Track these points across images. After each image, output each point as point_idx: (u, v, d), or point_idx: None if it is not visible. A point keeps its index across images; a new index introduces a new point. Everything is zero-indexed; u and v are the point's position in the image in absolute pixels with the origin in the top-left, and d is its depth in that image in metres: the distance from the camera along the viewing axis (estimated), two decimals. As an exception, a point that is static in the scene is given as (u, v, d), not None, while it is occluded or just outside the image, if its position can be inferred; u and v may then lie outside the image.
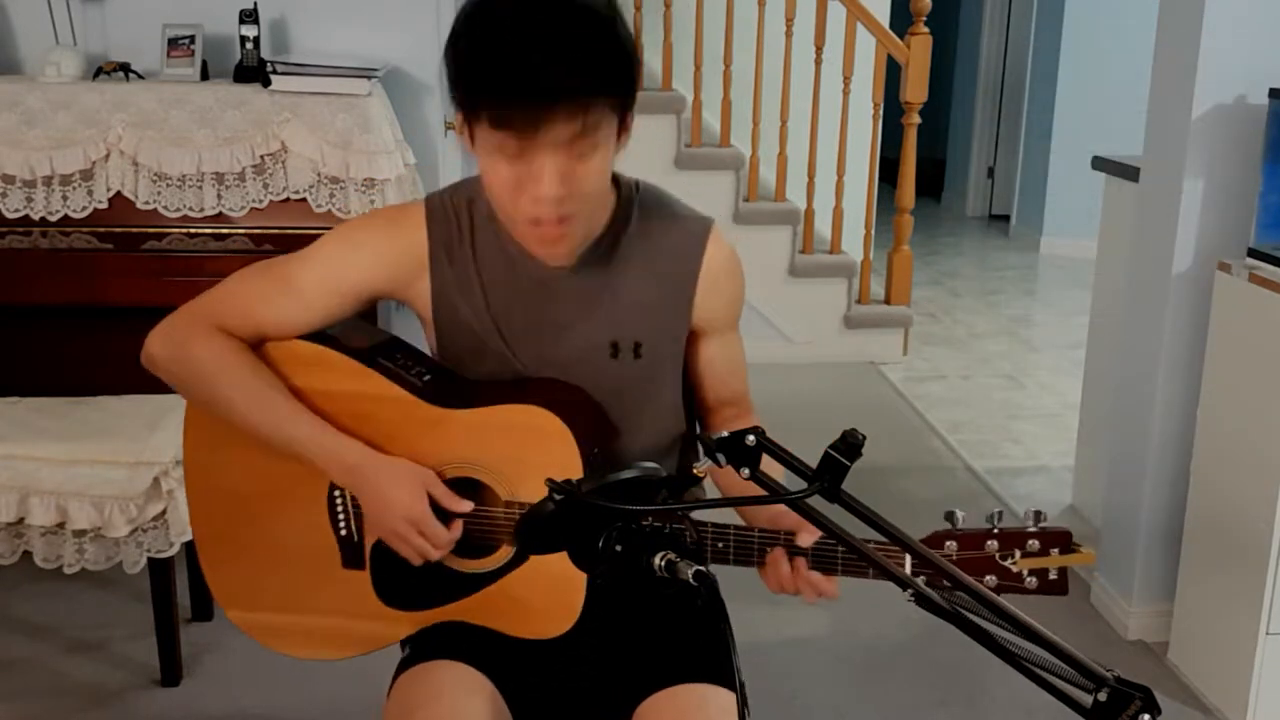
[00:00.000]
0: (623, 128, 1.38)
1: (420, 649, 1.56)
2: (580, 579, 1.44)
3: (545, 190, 1.31)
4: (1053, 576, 1.36)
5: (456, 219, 1.50)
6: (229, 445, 1.55)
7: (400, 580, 1.54)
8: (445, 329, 1.54)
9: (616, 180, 1.50)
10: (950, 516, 1.36)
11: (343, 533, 1.55)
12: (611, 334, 1.50)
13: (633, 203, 1.51)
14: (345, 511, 1.54)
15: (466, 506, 1.46)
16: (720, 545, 1.41)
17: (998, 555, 1.35)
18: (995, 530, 1.35)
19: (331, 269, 1.49)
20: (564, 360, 1.51)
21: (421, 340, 1.64)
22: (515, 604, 1.50)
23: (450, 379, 1.54)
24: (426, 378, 1.52)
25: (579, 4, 1.30)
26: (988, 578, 1.35)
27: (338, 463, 1.47)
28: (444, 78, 1.34)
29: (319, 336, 1.53)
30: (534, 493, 1.44)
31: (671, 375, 1.57)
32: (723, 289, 1.54)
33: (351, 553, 1.55)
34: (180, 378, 1.52)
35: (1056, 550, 1.35)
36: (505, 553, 1.50)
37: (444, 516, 1.47)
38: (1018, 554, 1.35)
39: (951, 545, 1.36)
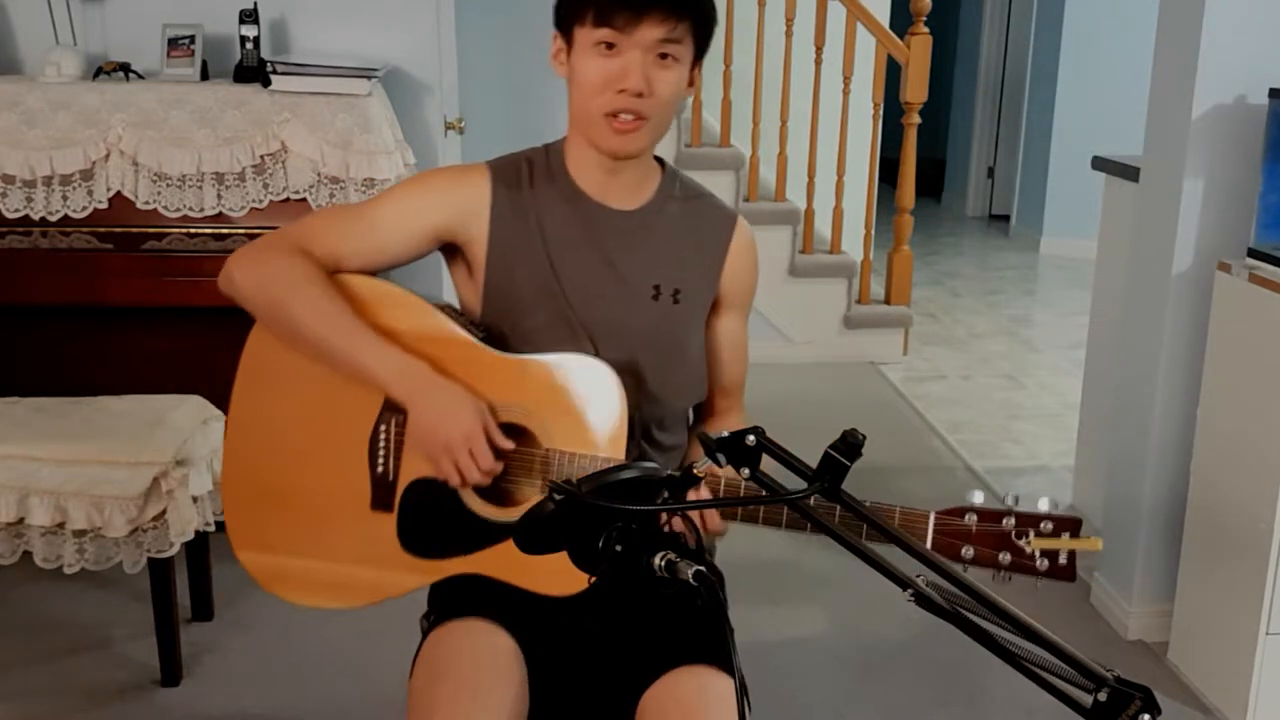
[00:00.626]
0: (691, 76, 1.59)
1: (445, 612, 1.61)
2: None
3: (631, 83, 1.51)
4: (1062, 561, 1.41)
5: (516, 170, 1.65)
6: (280, 380, 1.61)
7: (425, 526, 1.57)
8: (497, 268, 1.62)
9: (661, 161, 1.71)
10: (971, 495, 1.43)
11: (379, 470, 1.58)
12: (654, 276, 1.64)
13: (676, 178, 1.71)
14: (386, 449, 1.58)
15: (510, 444, 1.52)
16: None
17: (1014, 533, 1.41)
18: (1012, 510, 1.42)
19: (404, 205, 1.63)
20: (609, 297, 1.61)
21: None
22: (534, 558, 1.51)
23: (503, 337, 1.62)
24: (483, 333, 1.61)
25: None
26: (1002, 555, 1.41)
27: (402, 375, 1.53)
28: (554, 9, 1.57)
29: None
30: (574, 444, 1.53)
31: (699, 333, 1.69)
32: (746, 265, 1.71)
33: (383, 493, 1.58)
34: (257, 292, 1.58)
35: (1068, 535, 1.41)
36: (531, 503, 1.52)
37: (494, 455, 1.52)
38: (1031, 534, 1.41)
39: (972, 518, 1.42)
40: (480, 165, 1.66)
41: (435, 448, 1.51)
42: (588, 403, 1.53)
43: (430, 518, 1.57)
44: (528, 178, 1.63)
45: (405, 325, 1.58)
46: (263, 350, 1.63)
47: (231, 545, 1.65)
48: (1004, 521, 1.41)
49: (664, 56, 1.52)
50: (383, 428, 1.58)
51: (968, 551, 1.41)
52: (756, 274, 1.74)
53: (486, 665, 1.52)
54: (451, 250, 1.66)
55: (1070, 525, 1.40)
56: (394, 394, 1.54)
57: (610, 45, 1.51)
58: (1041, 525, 1.40)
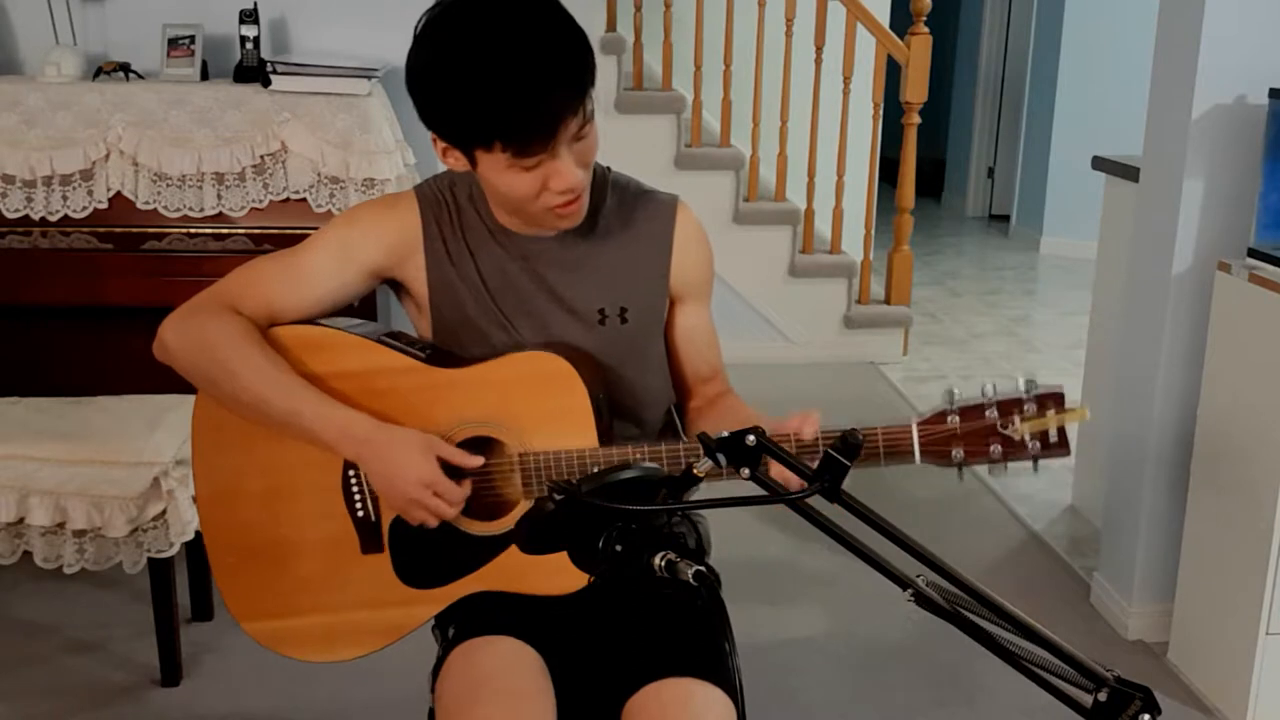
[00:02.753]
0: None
1: (466, 628, 1.57)
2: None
3: (570, 180, 1.43)
4: (1053, 439, 1.39)
5: (443, 199, 1.59)
6: (238, 446, 1.57)
7: (420, 556, 1.56)
8: (441, 306, 1.59)
9: None
10: (949, 395, 1.40)
11: (359, 514, 1.56)
12: (598, 301, 1.59)
13: (606, 181, 1.62)
14: (361, 492, 1.56)
15: (477, 462, 1.50)
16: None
17: (999, 424, 1.38)
18: (992, 401, 1.39)
19: (335, 248, 1.57)
20: (556, 329, 1.58)
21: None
22: (533, 562, 1.50)
23: (451, 352, 1.59)
24: (428, 351, 1.57)
25: (543, 12, 1.39)
26: (993, 447, 1.38)
27: (346, 436, 1.50)
28: (428, 110, 1.42)
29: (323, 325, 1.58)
30: (545, 442, 1.49)
31: (658, 343, 1.65)
32: (695, 253, 1.64)
33: (369, 535, 1.56)
34: (193, 360, 1.54)
35: (1053, 410, 1.38)
36: (519, 510, 1.52)
37: (459, 478, 1.49)
38: (1017, 419, 1.38)
39: (954, 420, 1.39)
40: (408, 195, 1.59)
41: (398, 501, 1.49)
42: (546, 396, 1.50)
43: (424, 548, 1.55)
44: (453, 204, 1.58)
45: (346, 367, 1.54)
46: (211, 417, 1.59)
47: (234, 618, 1.62)
48: (987, 414, 1.38)
49: (581, 128, 1.42)
50: (351, 472, 1.55)
51: (958, 453, 1.38)
52: (709, 260, 1.67)
53: (520, 683, 1.50)
54: (396, 285, 1.62)
55: (1053, 400, 1.38)
56: (342, 454, 1.52)
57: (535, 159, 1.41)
58: (1025, 407, 1.38)
